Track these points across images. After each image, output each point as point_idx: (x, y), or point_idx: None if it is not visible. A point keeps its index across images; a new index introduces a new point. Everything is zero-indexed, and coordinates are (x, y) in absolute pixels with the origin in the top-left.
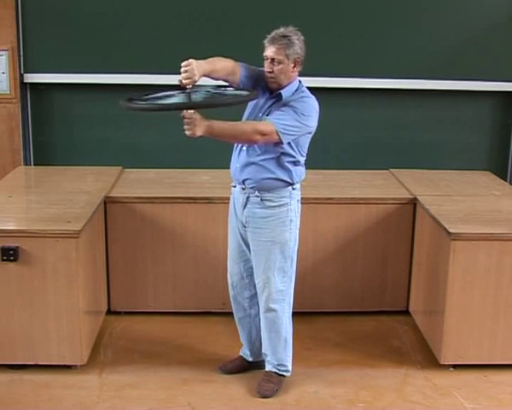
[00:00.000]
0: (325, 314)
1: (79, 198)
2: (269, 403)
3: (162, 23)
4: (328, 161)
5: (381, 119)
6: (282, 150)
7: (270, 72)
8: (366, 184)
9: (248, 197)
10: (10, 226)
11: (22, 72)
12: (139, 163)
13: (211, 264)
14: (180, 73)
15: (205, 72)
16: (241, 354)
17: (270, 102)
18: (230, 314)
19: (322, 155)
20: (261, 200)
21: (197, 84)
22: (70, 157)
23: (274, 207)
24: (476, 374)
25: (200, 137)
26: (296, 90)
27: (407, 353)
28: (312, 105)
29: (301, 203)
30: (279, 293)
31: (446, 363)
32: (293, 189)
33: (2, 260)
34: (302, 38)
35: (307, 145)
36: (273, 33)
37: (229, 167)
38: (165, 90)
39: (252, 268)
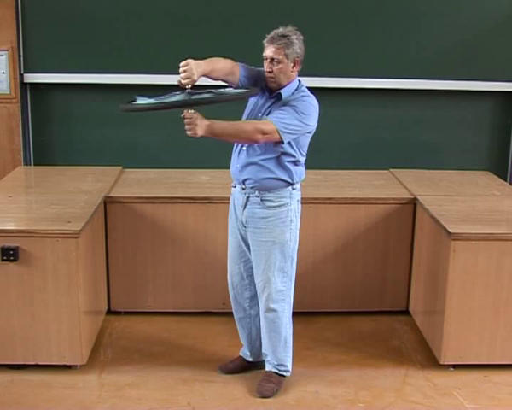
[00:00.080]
0: (325, 314)
1: (79, 198)
2: (269, 403)
3: (162, 23)
4: (328, 161)
5: (381, 119)
6: (282, 150)
7: (269, 71)
8: (366, 184)
9: (248, 197)
10: (10, 226)
11: (22, 72)
12: (139, 163)
13: (211, 264)
14: (179, 74)
15: (204, 72)
16: (241, 354)
17: (269, 102)
18: (230, 314)
19: (322, 155)
20: (261, 200)
21: (196, 84)
22: (70, 157)
23: (274, 207)
24: (476, 374)
25: (202, 136)
26: (296, 90)
27: (407, 353)
28: (312, 104)
29: (301, 203)
30: (279, 293)
31: (446, 363)
32: (294, 189)
33: (2, 260)
34: (301, 37)
35: (307, 145)
36: (272, 33)
37: (229, 167)
38: (166, 93)
39: (252, 268)
